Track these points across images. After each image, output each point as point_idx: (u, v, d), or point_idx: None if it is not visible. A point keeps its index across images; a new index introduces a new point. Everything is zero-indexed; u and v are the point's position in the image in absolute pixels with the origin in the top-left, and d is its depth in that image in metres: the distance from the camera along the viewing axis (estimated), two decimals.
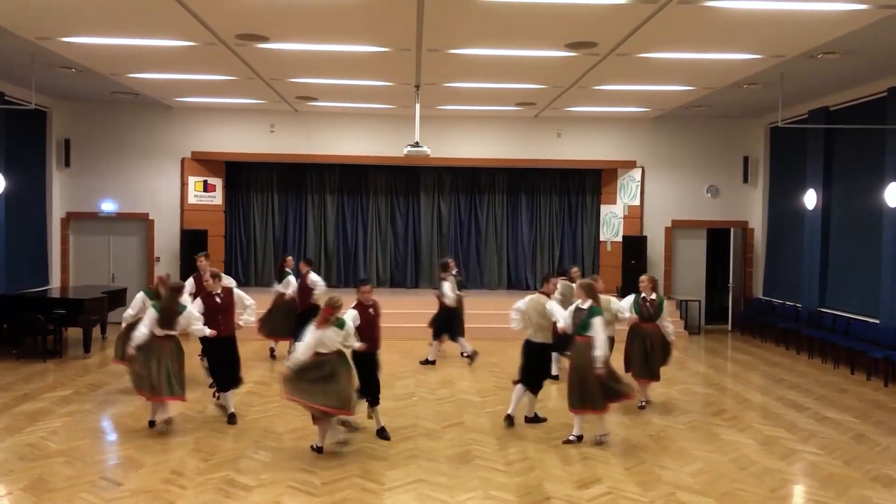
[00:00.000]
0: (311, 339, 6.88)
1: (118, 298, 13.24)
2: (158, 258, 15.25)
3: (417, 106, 12.22)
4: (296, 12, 8.20)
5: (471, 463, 6.89)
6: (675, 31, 8.72)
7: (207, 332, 7.77)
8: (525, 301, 8.06)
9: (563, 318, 7.66)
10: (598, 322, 7.31)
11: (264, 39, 9.39)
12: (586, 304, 7.46)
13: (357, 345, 7.13)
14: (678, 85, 12.10)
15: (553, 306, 7.87)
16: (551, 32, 8.86)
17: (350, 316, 7.21)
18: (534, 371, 8.06)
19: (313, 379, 6.80)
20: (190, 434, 7.63)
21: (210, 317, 7.85)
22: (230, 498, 5.96)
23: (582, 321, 7.43)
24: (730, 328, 15.89)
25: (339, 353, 7.07)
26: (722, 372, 11.62)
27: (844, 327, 12.11)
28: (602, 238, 16.41)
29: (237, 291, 8.34)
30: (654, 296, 8.90)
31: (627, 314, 8.81)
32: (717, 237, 16.12)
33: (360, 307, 7.40)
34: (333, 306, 6.94)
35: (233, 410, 8.11)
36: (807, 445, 7.60)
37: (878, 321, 11.32)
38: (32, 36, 9.45)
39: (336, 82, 12.15)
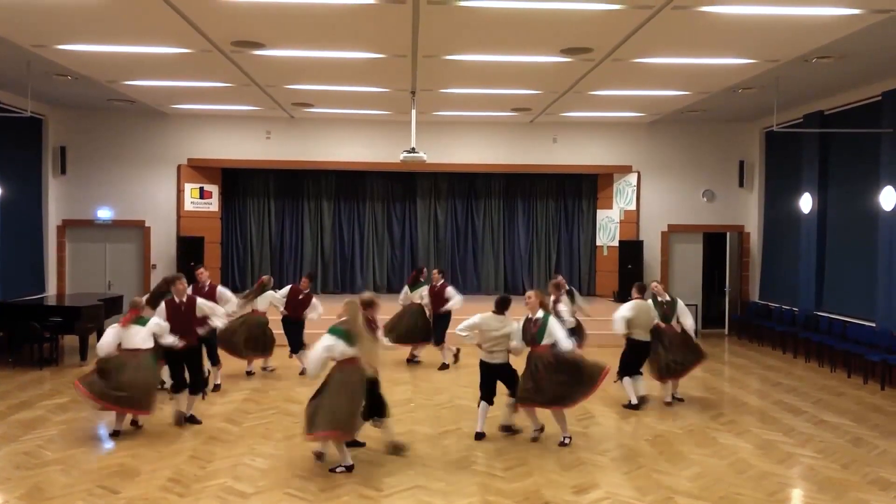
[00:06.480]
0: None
1: (115, 306, 13.21)
2: (155, 265, 15.22)
3: (413, 112, 12.24)
4: (291, 19, 8.21)
5: (469, 469, 6.88)
6: (670, 37, 8.75)
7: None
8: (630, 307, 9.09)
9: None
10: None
11: (260, 46, 9.40)
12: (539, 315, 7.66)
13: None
14: (673, 90, 12.14)
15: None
16: (546, 38, 8.89)
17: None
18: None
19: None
20: (187, 441, 7.61)
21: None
22: None
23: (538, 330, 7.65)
24: (726, 332, 15.90)
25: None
26: (719, 376, 11.63)
27: (841, 330, 12.13)
28: (598, 243, 16.44)
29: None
30: (668, 297, 9.47)
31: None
32: (714, 241, 16.15)
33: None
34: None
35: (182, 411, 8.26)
36: (804, 449, 7.61)
37: (874, 324, 11.34)
38: (28, 43, 9.45)
39: (332, 88, 12.17)
